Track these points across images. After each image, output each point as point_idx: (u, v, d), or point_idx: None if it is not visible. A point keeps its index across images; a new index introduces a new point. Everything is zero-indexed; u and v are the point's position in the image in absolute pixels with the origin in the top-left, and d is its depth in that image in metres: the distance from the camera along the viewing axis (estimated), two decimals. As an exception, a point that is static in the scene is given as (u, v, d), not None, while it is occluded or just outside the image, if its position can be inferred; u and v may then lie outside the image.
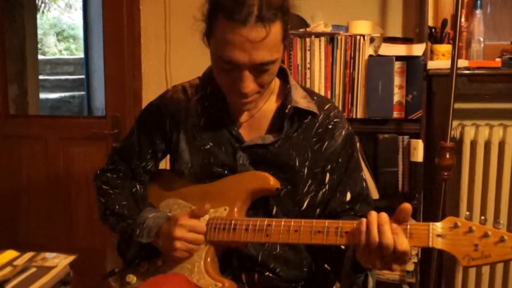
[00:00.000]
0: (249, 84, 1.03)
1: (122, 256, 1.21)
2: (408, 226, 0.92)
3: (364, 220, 0.93)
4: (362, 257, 0.95)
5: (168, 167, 1.32)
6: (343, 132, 1.18)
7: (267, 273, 1.14)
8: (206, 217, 1.12)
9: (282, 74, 1.20)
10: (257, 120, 1.18)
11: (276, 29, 0.99)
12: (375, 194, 1.97)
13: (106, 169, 1.31)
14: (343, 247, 1.07)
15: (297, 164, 1.14)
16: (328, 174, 1.17)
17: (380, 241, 0.90)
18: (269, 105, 1.18)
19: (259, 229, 1.04)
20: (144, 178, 1.28)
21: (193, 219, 1.09)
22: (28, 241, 2.68)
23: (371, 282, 1.03)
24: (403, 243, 0.89)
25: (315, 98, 1.20)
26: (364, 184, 1.19)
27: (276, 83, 1.20)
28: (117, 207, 1.21)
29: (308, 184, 1.16)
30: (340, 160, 1.17)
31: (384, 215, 0.92)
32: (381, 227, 0.91)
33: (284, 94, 1.18)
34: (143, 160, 1.26)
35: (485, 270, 2.07)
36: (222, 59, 1.01)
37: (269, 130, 1.17)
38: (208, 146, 1.18)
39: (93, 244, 2.53)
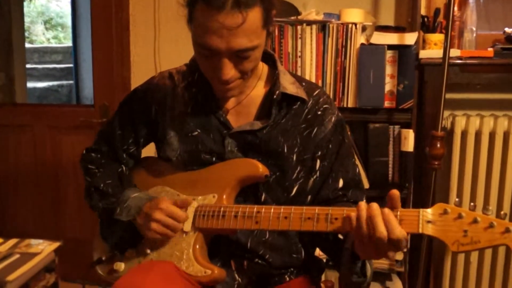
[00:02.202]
0: (229, 71, 1.02)
1: (105, 239, 1.19)
2: (398, 213, 0.91)
3: (353, 214, 0.92)
4: (358, 250, 0.95)
5: (154, 155, 1.30)
6: (333, 118, 1.17)
7: (256, 260, 1.13)
8: (195, 204, 1.11)
9: (271, 60, 1.19)
10: (245, 106, 1.17)
11: (254, 14, 0.97)
12: (365, 184, 1.96)
13: (91, 149, 1.31)
14: (341, 236, 1.06)
15: (285, 150, 1.13)
16: (318, 161, 1.16)
17: (373, 234, 0.89)
18: (257, 91, 1.17)
19: (248, 216, 1.03)
20: (127, 161, 1.27)
21: (175, 206, 1.09)
22: (16, 230, 2.64)
23: (369, 269, 1.02)
24: (397, 231, 0.88)
25: (304, 84, 1.18)
26: (356, 170, 1.18)
27: (264, 69, 1.18)
28: (102, 185, 1.21)
29: (297, 171, 1.15)
30: (330, 146, 1.16)
31: (375, 206, 0.91)
32: (373, 219, 0.89)
33: (273, 80, 1.16)
34: (124, 143, 1.26)
35: (474, 259, 2.09)
36: (200, 46, 1.01)
37: (258, 116, 1.16)
38: (196, 133, 1.16)
39: (81, 233, 2.51)
